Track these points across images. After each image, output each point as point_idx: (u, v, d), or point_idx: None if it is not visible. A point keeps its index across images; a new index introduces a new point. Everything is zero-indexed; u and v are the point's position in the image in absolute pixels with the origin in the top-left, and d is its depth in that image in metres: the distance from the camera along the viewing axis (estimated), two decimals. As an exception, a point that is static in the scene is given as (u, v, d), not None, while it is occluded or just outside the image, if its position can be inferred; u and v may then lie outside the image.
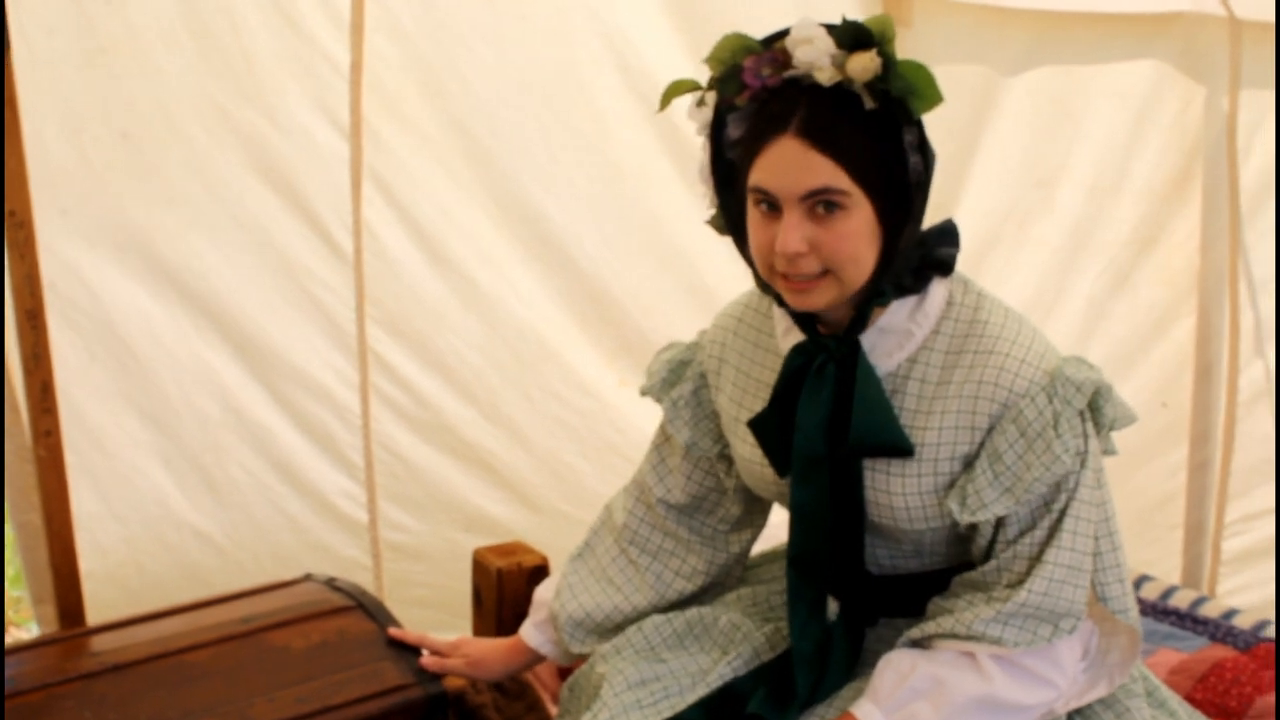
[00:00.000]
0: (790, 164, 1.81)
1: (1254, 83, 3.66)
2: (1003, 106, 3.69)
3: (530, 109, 3.48)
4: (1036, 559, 1.88)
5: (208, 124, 3.24)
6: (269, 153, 3.29)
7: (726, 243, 3.50)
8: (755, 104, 1.88)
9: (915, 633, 1.96)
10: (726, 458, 2.20)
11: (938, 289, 1.95)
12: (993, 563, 1.91)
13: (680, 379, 2.19)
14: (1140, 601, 3.07)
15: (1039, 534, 1.89)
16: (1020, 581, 1.88)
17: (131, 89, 3.15)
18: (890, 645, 2.02)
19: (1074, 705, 1.98)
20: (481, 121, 3.45)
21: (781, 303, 1.97)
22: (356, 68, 3.32)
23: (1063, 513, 1.88)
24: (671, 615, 2.18)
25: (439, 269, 3.51)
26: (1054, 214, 3.80)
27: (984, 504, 1.87)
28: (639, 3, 3.48)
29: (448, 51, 3.38)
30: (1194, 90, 3.72)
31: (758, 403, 2.05)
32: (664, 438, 2.27)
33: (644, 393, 2.23)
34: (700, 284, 3.58)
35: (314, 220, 3.37)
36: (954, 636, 1.91)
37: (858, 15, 1.90)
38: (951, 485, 1.91)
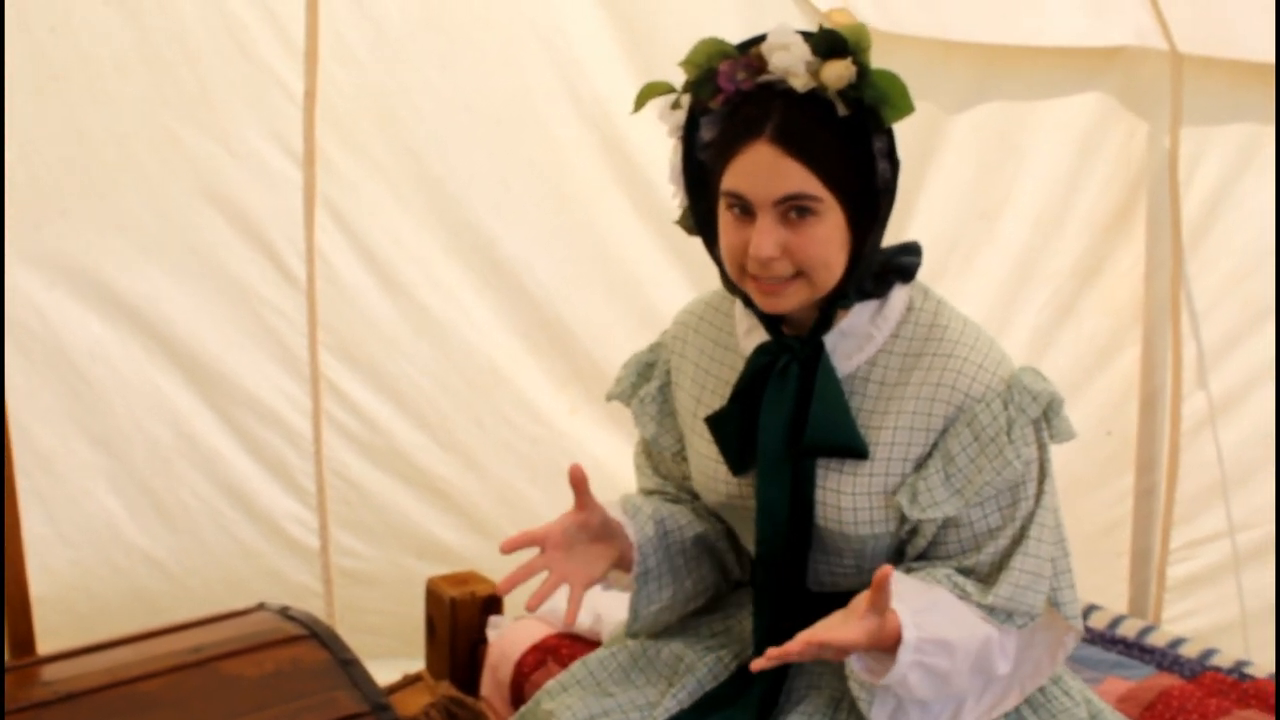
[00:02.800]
0: (764, 169, 1.82)
1: (1195, 116, 3.71)
2: (948, 139, 3.72)
3: (483, 137, 3.50)
4: (1001, 566, 1.91)
5: (160, 150, 3.24)
6: (222, 179, 3.30)
7: (678, 270, 3.59)
8: (728, 107, 1.89)
9: (904, 570, 1.96)
10: (683, 456, 2.20)
11: (898, 294, 1.97)
12: (953, 564, 1.94)
13: (648, 379, 2.20)
14: (1088, 630, 3.10)
15: (1003, 542, 1.91)
16: (986, 586, 1.91)
17: (84, 116, 3.16)
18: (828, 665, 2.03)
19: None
20: (434, 149, 3.47)
21: (748, 303, 1.99)
22: (310, 95, 3.33)
23: (1028, 520, 1.91)
24: (615, 649, 2.17)
25: (391, 295, 3.52)
26: (998, 246, 3.83)
27: (935, 502, 1.89)
28: (592, 32, 3.50)
29: (401, 79, 3.40)
30: (1136, 124, 3.76)
31: (716, 400, 2.05)
32: (644, 445, 2.26)
33: (610, 397, 2.23)
34: (651, 311, 3.60)
35: (266, 246, 3.38)
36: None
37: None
38: (901, 487, 1.92)
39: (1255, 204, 3.71)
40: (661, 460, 2.23)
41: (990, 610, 1.90)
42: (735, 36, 1.92)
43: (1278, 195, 3.63)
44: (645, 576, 2.06)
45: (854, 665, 1.87)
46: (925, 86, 3.62)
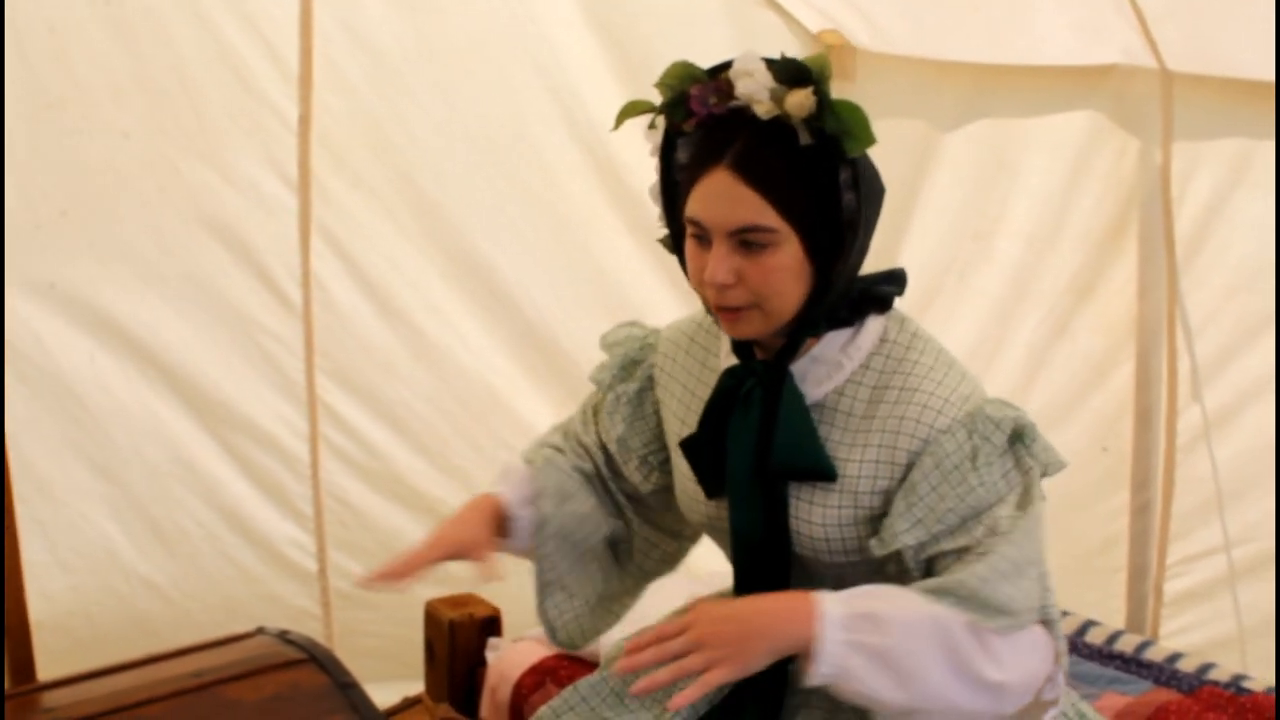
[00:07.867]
0: (720, 198, 1.83)
1: (1186, 133, 3.73)
2: (941, 159, 3.74)
3: (477, 162, 3.52)
4: (984, 555, 1.83)
5: (157, 177, 3.26)
6: (218, 206, 3.32)
7: (674, 294, 3.60)
8: (701, 131, 1.90)
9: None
10: (648, 462, 2.19)
11: (873, 324, 1.96)
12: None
13: (629, 377, 2.20)
14: (1086, 646, 3.11)
15: (988, 542, 1.84)
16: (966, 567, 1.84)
17: (80, 144, 3.17)
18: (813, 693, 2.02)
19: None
20: (429, 174, 3.49)
21: None
22: (305, 122, 3.35)
23: (1012, 527, 1.84)
24: (606, 674, 2.17)
25: (388, 320, 3.53)
26: (993, 264, 3.85)
27: (895, 534, 1.87)
28: (586, 59, 3.53)
29: (395, 106, 3.42)
30: (1128, 141, 3.78)
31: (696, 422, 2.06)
32: (594, 413, 2.25)
33: (594, 379, 2.22)
34: (648, 334, 3.61)
35: (263, 272, 3.40)
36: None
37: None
38: (871, 519, 1.91)
39: (1247, 219, 3.72)
40: (597, 427, 2.23)
41: (962, 593, 1.81)
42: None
43: (1278, 211, 3.65)
44: (549, 587, 2.14)
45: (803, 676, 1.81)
46: (917, 104, 3.65)
